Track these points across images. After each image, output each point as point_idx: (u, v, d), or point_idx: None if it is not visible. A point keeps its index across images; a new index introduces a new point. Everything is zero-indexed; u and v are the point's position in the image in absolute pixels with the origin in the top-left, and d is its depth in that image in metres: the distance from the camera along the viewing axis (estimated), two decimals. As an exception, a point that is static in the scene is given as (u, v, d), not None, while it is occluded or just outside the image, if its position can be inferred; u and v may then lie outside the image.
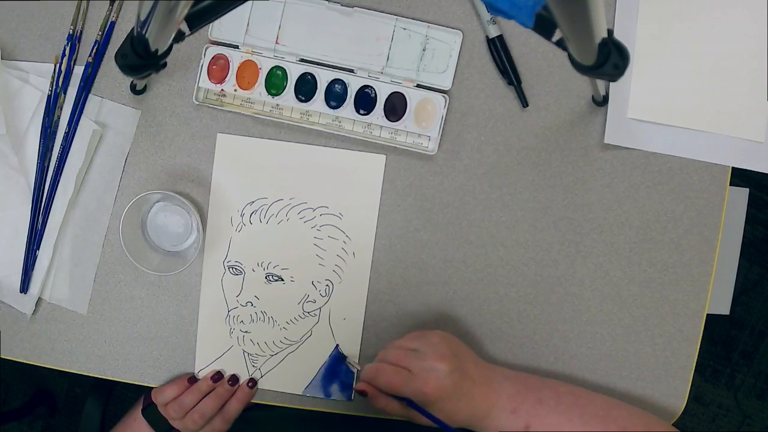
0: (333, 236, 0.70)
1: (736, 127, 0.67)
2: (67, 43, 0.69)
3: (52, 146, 0.69)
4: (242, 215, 0.70)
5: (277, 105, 0.68)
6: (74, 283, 0.71)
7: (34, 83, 0.69)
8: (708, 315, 0.70)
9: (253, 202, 0.70)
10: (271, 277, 0.70)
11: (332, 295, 0.70)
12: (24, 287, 0.70)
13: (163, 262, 0.69)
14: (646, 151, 0.68)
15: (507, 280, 0.70)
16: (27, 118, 0.69)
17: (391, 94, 0.68)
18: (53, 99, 0.69)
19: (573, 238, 0.69)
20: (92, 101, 0.70)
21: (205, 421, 0.68)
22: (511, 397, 0.61)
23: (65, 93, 0.69)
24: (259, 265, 0.70)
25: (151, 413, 0.70)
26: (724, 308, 1.03)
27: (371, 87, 0.68)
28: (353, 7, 0.67)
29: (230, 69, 0.68)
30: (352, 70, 0.68)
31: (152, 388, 0.72)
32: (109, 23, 0.69)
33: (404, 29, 0.67)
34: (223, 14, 0.51)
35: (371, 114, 0.68)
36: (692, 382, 0.70)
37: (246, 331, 0.71)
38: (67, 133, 0.69)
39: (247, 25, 0.67)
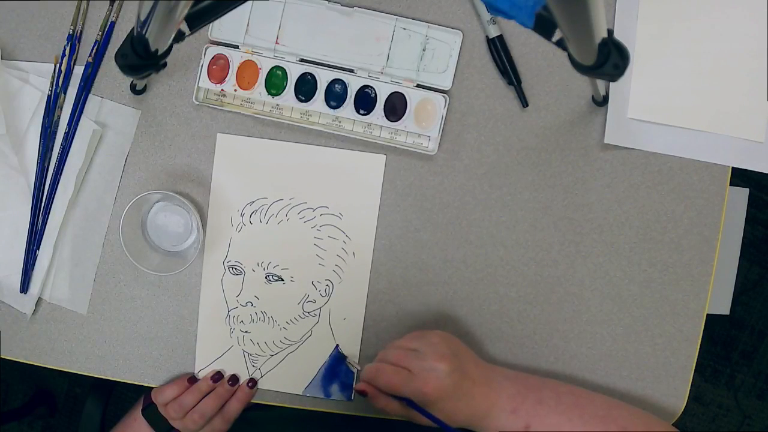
0: (333, 236, 0.70)
1: (736, 127, 0.67)
2: (67, 43, 0.69)
3: (52, 146, 0.69)
4: (242, 215, 0.70)
5: (277, 105, 0.68)
6: (74, 283, 0.71)
7: (34, 83, 0.69)
8: (708, 315, 0.70)
9: (253, 202, 0.70)
10: (271, 277, 0.70)
11: (332, 295, 0.70)
12: (24, 287, 0.70)
13: (163, 262, 0.69)
14: (646, 151, 0.69)
15: (507, 280, 0.70)
16: (27, 118, 0.69)
17: (391, 94, 0.68)
18: (53, 99, 0.69)
19: (573, 238, 0.69)
20: (92, 101, 0.70)
21: (205, 421, 0.68)
22: (511, 397, 0.61)
23: (65, 93, 0.69)
24: (259, 265, 0.70)
25: (151, 413, 0.70)
26: (724, 308, 1.03)
27: (371, 87, 0.68)
28: (353, 7, 0.67)
29: (230, 69, 0.68)
30: (352, 70, 0.68)
31: (152, 388, 0.72)
32: (109, 23, 0.69)
33: (404, 29, 0.67)
34: (223, 14, 0.51)
35: (371, 114, 0.68)
36: (692, 382, 0.70)
37: (246, 331, 0.71)
38: (67, 133, 0.69)
39: (247, 25, 0.67)
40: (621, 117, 0.68)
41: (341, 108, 0.68)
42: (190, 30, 0.50)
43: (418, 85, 0.68)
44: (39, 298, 0.71)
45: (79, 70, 0.69)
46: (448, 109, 0.68)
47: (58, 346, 0.72)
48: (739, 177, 1.26)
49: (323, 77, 0.68)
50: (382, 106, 0.68)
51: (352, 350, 0.71)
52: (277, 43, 0.68)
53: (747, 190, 1.03)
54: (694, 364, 0.70)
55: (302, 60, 0.68)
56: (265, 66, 0.68)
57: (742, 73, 0.67)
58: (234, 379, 0.70)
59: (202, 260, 0.70)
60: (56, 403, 1.47)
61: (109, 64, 0.70)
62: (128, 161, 0.70)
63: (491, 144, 0.69)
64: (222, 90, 0.68)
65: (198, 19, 0.50)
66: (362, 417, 0.71)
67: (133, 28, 0.49)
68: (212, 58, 0.68)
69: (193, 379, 0.70)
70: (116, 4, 0.69)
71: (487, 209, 0.70)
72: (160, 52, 0.52)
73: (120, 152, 0.70)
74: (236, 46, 0.68)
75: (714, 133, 0.67)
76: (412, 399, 0.59)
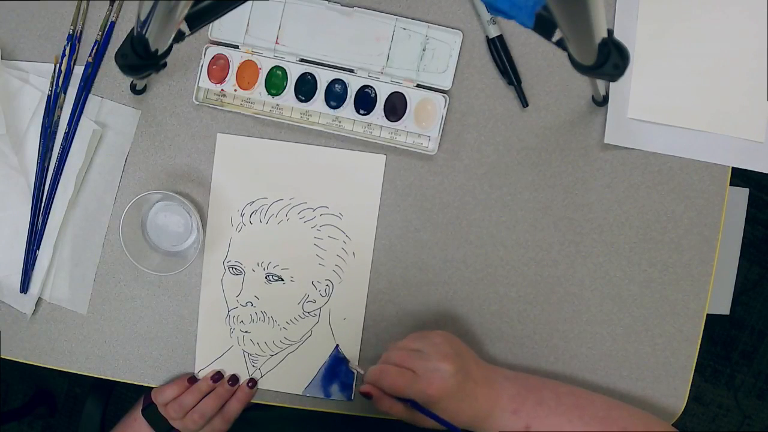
0: (333, 236, 0.70)
1: (736, 127, 0.67)
2: (67, 43, 0.69)
3: (52, 146, 0.69)
4: (242, 215, 0.70)
5: (277, 105, 0.68)
6: (74, 283, 0.71)
7: (34, 83, 0.69)
8: (708, 315, 0.70)
9: (253, 202, 0.70)
10: (271, 277, 0.70)
11: (332, 295, 0.70)
12: (24, 287, 0.70)
13: (163, 262, 0.69)
14: (646, 151, 0.69)
15: (507, 280, 0.70)
16: (27, 118, 0.69)
17: (391, 94, 0.68)
18: (53, 99, 0.69)
19: (573, 238, 0.69)
20: (92, 101, 0.70)
21: (205, 421, 0.68)
22: (511, 397, 0.61)
23: (65, 93, 0.69)
24: (259, 265, 0.70)
25: (151, 413, 0.70)
26: (724, 308, 1.03)
27: (371, 87, 0.68)
28: (353, 7, 0.67)
29: (230, 69, 0.68)
30: (352, 70, 0.68)
31: (152, 388, 0.72)
32: (109, 23, 0.69)
33: (404, 29, 0.67)
34: (223, 14, 0.51)
35: (371, 114, 0.68)
36: (692, 382, 0.70)
37: (246, 331, 0.71)
38: (67, 133, 0.69)
39: (247, 25, 0.67)
40: (621, 117, 0.68)
41: (341, 108, 0.68)
42: (190, 30, 0.50)
43: (418, 85, 0.68)
44: (39, 298, 0.71)
45: (79, 70, 0.69)
46: (448, 109, 0.68)
47: (58, 346, 0.72)
48: (739, 177, 1.26)
49: (323, 77, 0.68)
50: (382, 106, 0.68)
51: (352, 350, 0.71)
52: (277, 43, 0.68)
53: (747, 190, 1.03)
54: (694, 364, 0.70)
55: (302, 60, 0.68)
56: (265, 66, 0.68)
57: (742, 73, 0.67)
58: (234, 379, 0.70)
59: (202, 260, 0.70)
60: (56, 403, 1.47)
61: (109, 64, 0.70)
62: (128, 161, 0.70)
63: (491, 144, 0.69)
64: (222, 90, 0.68)
65: (198, 19, 0.50)
66: (362, 417, 0.71)
67: (133, 28, 0.49)
68: (212, 58, 0.68)
69: (193, 379, 0.70)
70: (116, 4, 0.69)
71: (487, 209, 0.70)
72: (160, 52, 0.52)
73: (120, 152, 0.70)
74: (236, 46, 0.68)
75: (714, 133, 0.67)
76: (416, 400, 0.58)
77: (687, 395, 0.70)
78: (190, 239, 0.70)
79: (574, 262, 0.70)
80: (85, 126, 0.69)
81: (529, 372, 0.69)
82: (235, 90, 0.68)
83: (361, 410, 0.71)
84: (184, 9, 0.44)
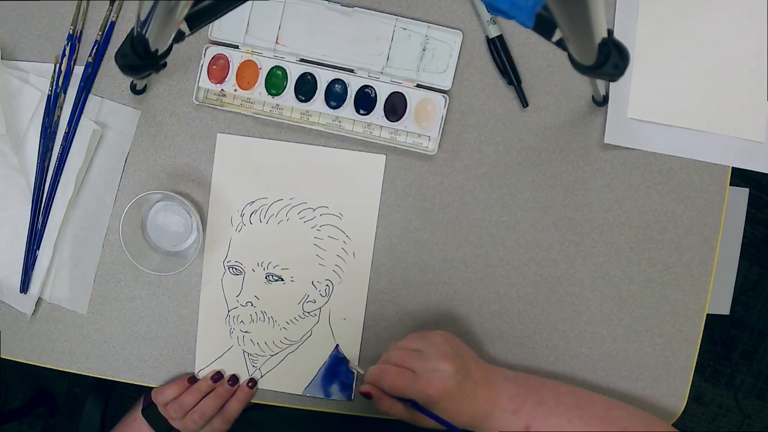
0: (333, 236, 0.70)
1: (736, 127, 0.67)
2: (67, 43, 0.69)
3: (52, 146, 0.69)
4: (242, 215, 0.70)
5: (277, 105, 0.68)
6: (74, 283, 0.71)
7: (34, 83, 0.69)
8: (708, 315, 0.70)
9: (253, 202, 0.70)
10: (271, 277, 0.70)
11: (332, 295, 0.70)
12: (24, 287, 0.70)
13: (163, 262, 0.69)
14: (646, 151, 0.69)
15: (507, 280, 0.70)
16: (27, 118, 0.69)
17: (391, 94, 0.68)
18: (53, 99, 0.69)
19: (573, 238, 0.69)
20: (92, 101, 0.70)
21: (205, 421, 0.68)
22: (511, 397, 0.61)
23: (65, 93, 0.69)
24: (259, 265, 0.70)
25: (151, 413, 0.70)
26: (724, 308, 1.03)
27: (371, 87, 0.68)
28: (353, 7, 0.67)
29: (230, 69, 0.68)
30: (352, 70, 0.68)
31: (152, 388, 0.72)
32: (109, 23, 0.69)
33: (404, 29, 0.67)
34: (223, 14, 0.51)
35: (371, 114, 0.68)
36: (692, 382, 0.70)
37: (246, 331, 0.71)
38: (67, 133, 0.69)
39: (247, 25, 0.67)
40: (621, 117, 0.68)
41: (341, 108, 0.68)
42: (190, 30, 0.50)
43: (418, 85, 0.68)
44: (39, 298, 0.71)
45: (79, 70, 0.69)
46: (448, 109, 0.68)
47: (58, 346, 0.72)
48: (739, 177, 1.26)
49: (323, 77, 0.68)
50: (382, 106, 0.68)
51: (352, 350, 0.71)
52: (277, 43, 0.68)
53: (747, 190, 1.03)
54: (694, 364, 0.70)
55: (302, 60, 0.68)
56: (265, 66, 0.68)
57: (742, 73, 0.67)
58: (234, 379, 0.70)
59: (202, 260, 0.70)
60: (56, 403, 1.47)
61: (109, 64, 0.70)
62: (128, 161, 0.70)
63: (491, 144, 0.69)
64: (222, 90, 0.68)
65: (198, 19, 0.50)
66: (362, 417, 0.71)
67: (133, 28, 0.49)
68: (212, 58, 0.68)
69: (193, 379, 0.70)
70: (116, 4, 0.69)
71: (487, 209, 0.70)
72: (160, 52, 0.52)
73: (120, 152, 0.70)
74: (236, 46, 0.68)
75: (714, 133, 0.67)
76: (416, 400, 0.58)
77: (687, 395, 0.70)
78: (190, 239, 0.70)
79: (574, 262, 0.70)
80: (85, 126, 0.69)
81: (529, 372, 0.69)
82: (235, 90, 0.68)
83: (361, 410, 0.71)
84: (184, 9, 0.44)
